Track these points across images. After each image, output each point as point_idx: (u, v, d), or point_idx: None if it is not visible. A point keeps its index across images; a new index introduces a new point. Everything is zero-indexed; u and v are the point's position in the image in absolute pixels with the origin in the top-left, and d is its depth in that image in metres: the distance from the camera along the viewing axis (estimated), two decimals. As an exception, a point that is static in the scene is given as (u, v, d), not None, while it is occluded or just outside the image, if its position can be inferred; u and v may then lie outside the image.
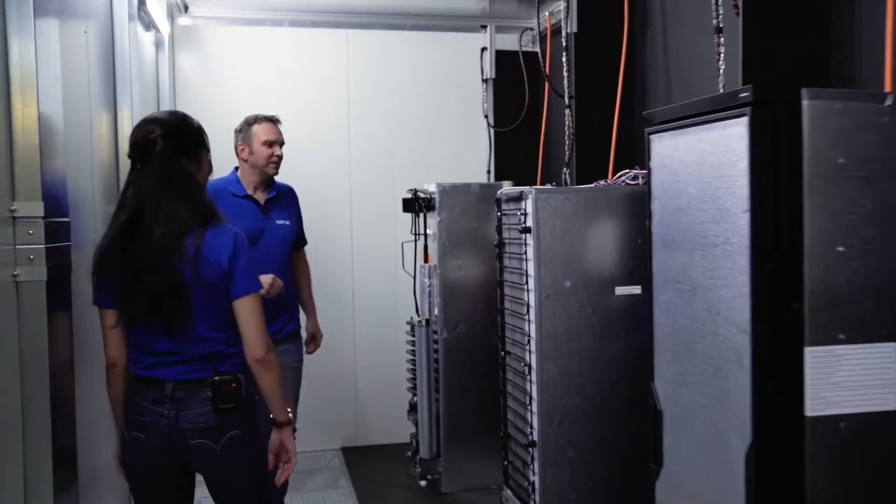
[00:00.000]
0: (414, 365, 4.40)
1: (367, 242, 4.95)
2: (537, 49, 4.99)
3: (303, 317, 4.08)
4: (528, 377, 2.94)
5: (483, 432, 4.09)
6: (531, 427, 2.93)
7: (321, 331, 3.96)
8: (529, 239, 2.88)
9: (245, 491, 2.32)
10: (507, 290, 3.17)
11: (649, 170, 2.29)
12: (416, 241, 4.25)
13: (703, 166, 2.08)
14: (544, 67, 3.91)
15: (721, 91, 2.61)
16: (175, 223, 2.14)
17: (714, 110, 2.03)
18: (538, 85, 4.93)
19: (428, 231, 4.21)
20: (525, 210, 2.89)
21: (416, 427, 4.32)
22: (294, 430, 2.45)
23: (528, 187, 2.94)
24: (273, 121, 3.66)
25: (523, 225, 2.89)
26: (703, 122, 2.08)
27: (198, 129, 2.33)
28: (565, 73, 3.79)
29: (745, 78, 2.45)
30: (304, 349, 3.83)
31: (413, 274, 4.32)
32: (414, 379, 4.43)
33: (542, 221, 2.84)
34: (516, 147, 5.00)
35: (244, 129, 3.60)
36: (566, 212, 2.87)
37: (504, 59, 5.00)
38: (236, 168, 3.73)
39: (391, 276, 4.93)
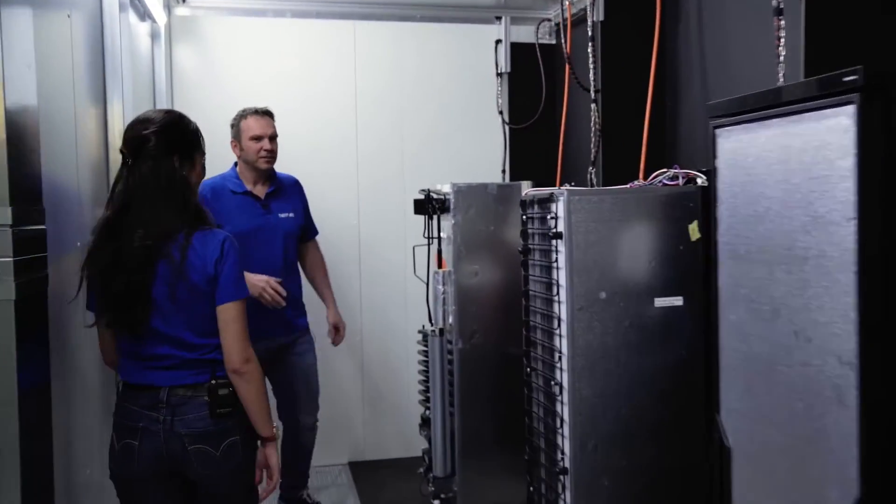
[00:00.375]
0: (426, 376, 4.15)
1: (376, 246, 4.69)
2: (554, 41, 4.73)
3: (319, 310, 3.87)
4: (559, 398, 2.67)
5: (502, 450, 3.82)
6: (562, 452, 2.66)
7: (343, 321, 3.85)
8: (560, 245, 2.61)
9: (240, 498, 2.31)
10: (533, 301, 2.90)
11: (714, 169, 2.02)
12: (429, 244, 3.98)
13: (789, 165, 1.79)
14: (568, 59, 3.64)
15: (781, 81, 2.33)
16: (157, 226, 2.12)
17: (805, 98, 1.72)
18: (556, 79, 4.67)
19: (442, 234, 3.94)
20: (556, 213, 2.62)
21: (429, 443, 4.05)
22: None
23: (559, 188, 2.66)
24: (262, 113, 3.57)
25: (554, 230, 2.62)
26: (789, 114, 1.78)
27: (194, 130, 2.30)
28: (591, 66, 3.52)
29: (807, 66, 2.17)
30: (334, 336, 3.87)
31: (426, 280, 4.04)
32: (426, 391, 4.17)
33: (574, 226, 2.57)
34: (532, 145, 4.74)
35: (235, 125, 3.55)
36: (601, 215, 2.59)
37: (520, 52, 4.73)
38: (236, 164, 3.64)
39: (400, 282, 4.67)
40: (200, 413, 2.17)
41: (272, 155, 3.58)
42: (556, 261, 2.62)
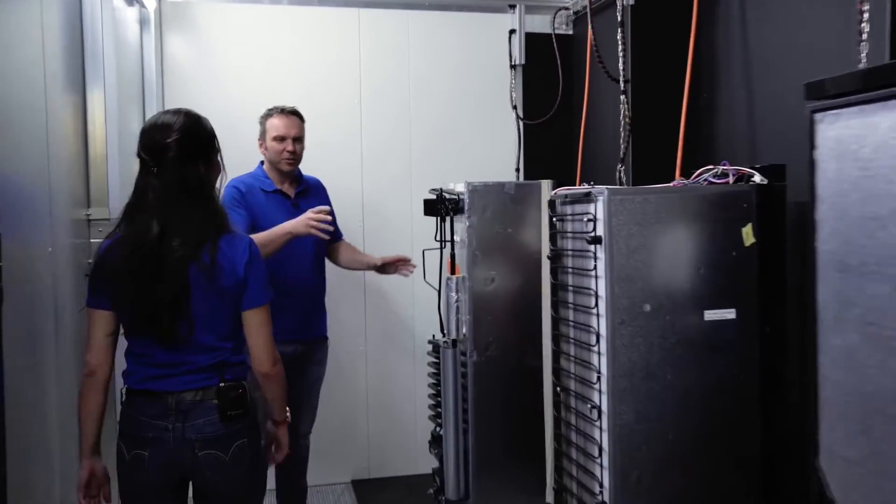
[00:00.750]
0: (437, 390, 3.85)
1: (381, 249, 4.37)
2: (571, 31, 4.44)
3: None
4: (597, 423, 2.36)
5: (520, 471, 3.52)
6: (600, 485, 2.36)
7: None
8: (600, 251, 2.30)
9: (247, 499, 2.36)
10: (564, 313, 2.60)
11: (813, 162, 1.71)
12: (441, 248, 3.67)
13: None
14: (595, 48, 3.33)
15: (864, 62, 2.03)
16: (193, 232, 2.12)
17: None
18: (574, 72, 4.37)
19: (455, 237, 3.64)
20: (594, 215, 2.31)
21: (441, 463, 3.74)
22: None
23: (598, 186, 2.36)
24: (289, 113, 3.50)
25: (592, 234, 2.32)
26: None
27: (210, 131, 2.28)
28: (620, 54, 3.22)
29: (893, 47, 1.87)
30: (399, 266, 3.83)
31: (437, 286, 3.74)
32: (437, 406, 3.87)
33: (616, 229, 2.27)
34: (548, 142, 4.44)
35: (261, 123, 3.51)
36: (646, 217, 2.29)
37: (535, 43, 4.43)
38: (262, 162, 3.57)
39: (407, 288, 4.37)
40: (210, 417, 2.16)
41: (294, 157, 3.51)
42: (595, 268, 2.31)
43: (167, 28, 4.06)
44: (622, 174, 3.20)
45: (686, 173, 2.88)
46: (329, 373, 4.14)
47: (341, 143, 4.30)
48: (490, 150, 4.46)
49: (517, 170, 4.46)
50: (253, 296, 2.19)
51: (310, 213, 3.22)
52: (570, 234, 2.53)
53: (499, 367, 3.60)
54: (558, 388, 2.67)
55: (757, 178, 2.33)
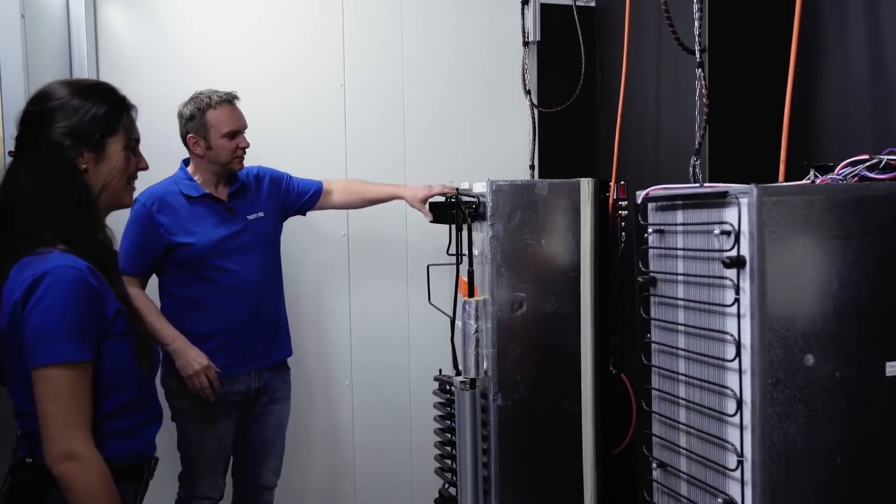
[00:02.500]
0: (445, 438, 3.11)
1: (368, 264, 3.61)
2: (594, 3, 3.74)
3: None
4: (736, 527, 1.63)
5: (559, 547, 2.83)
6: None
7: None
8: (743, 279, 1.58)
9: None
10: (667, 362, 1.87)
11: None
12: (458, 263, 2.94)
13: None
14: (665, 7, 2.62)
15: None
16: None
17: None
18: (600, 49, 3.67)
19: (473, 250, 2.91)
20: (734, 226, 1.59)
21: (453, 532, 3.01)
22: None
23: (737, 185, 1.63)
24: (232, 100, 2.94)
25: (729, 253, 1.59)
26: None
27: (116, 102, 1.79)
28: (696, 16, 2.51)
29: None
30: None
31: (452, 315, 2.99)
32: (445, 458, 3.14)
33: (770, 246, 1.55)
34: (568, 133, 3.73)
35: (196, 117, 2.89)
36: (808, 227, 1.58)
37: (552, 16, 3.71)
38: (184, 162, 3.00)
39: (401, 312, 3.62)
40: None
41: (245, 153, 2.98)
42: (738, 304, 1.59)
43: (103, -5, 3.23)
44: (697, 168, 2.50)
45: (791, 169, 2.20)
46: (305, 414, 3.42)
47: (320, 134, 3.51)
48: (499, 142, 3.74)
49: (531, 166, 3.74)
50: (31, 350, 1.57)
51: (207, 374, 2.79)
52: (679, 253, 1.80)
53: (530, 412, 2.90)
54: (655, 467, 1.93)
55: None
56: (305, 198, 3.17)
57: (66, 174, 1.66)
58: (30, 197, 1.63)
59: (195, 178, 2.92)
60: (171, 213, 2.85)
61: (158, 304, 2.93)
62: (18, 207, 1.64)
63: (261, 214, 3.02)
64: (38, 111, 1.68)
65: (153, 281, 2.95)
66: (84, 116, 1.68)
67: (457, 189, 2.96)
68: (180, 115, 2.91)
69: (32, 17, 2.63)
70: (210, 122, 2.86)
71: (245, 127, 2.96)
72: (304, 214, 3.24)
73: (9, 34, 2.43)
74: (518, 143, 3.75)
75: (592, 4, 3.75)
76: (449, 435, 3.09)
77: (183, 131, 2.91)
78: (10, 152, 1.71)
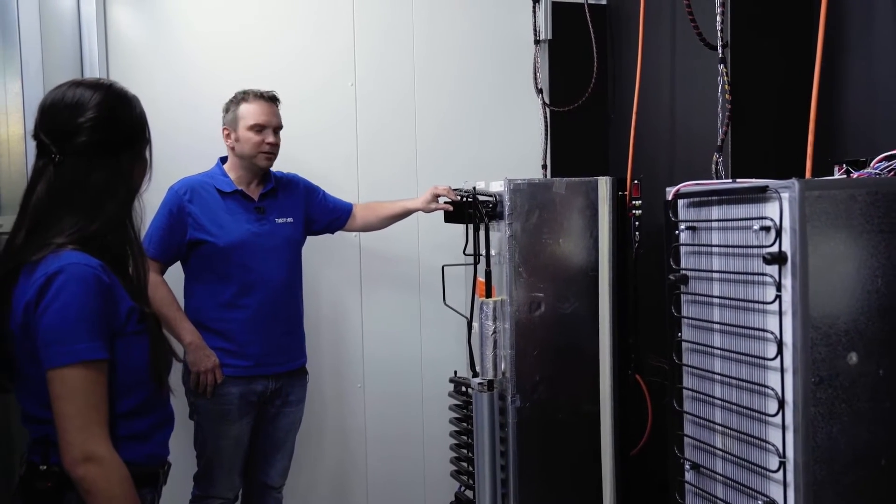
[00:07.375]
0: (462, 441, 3.07)
1: (380, 264, 3.57)
2: (605, 1, 3.71)
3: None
4: (779, 530, 1.60)
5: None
6: None
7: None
8: (785, 275, 1.54)
9: None
10: (699, 361, 1.83)
11: None
12: (475, 263, 2.90)
13: None
14: (687, 1, 2.58)
15: None
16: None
17: None
18: (613, 48, 3.64)
19: (491, 250, 2.88)
20: (775, 221, 1.55)
21: (471, 535, 2.97)
22: None
23: (778, 180, 1.60)
24: (267, 98, 2.98)
25: (769, 250, 1.56)
26: None
27: (141, 113, 1.76)
28: (718, 11, 2.48)
29: None
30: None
31: (469, 316, 2.96)
32: (461, 461, 3.10)
33: (812, 242, 1.52)
34: (580, 132, 3.70)
35: (230, 109, 2.97)
36: (850, 222, 1.55)
37: (564, 15, 3.67)
38: (222, 159, 3.03)
39: (413, 312, 3.58)
40: None
41: (275, 150, 2.98)
42: (779, 301, 1.55)
43: (113, -7, 3.19)
44: (719, 165, 2.47)
45: (819, 164, 2.17)
46: (319, 417, 3.38)
47: (331, 133, 3.48)
48: (510, 141, 3.70)
49: (544, 166, 3.71)
50: (44, 351, 1.54)
51: (214, 373, 2.83)
52: (713, 250, 1.76)
53: (548, 413, 2.86)
54: (685, 467, 1.89)
55: None
56: (336, 216, 3.19)
57: (94, 179, 1.62)
58: (56, 200, 1.60)
59: (229, 175, 2.94)
60: (202, 204, 2.86)
61: (182, 303, 2.92)
62: (42, 210, 1.60)
63: (290, 220, 3.01)
64: (68, 115, 1.63)
65: (178, 279, 2.93)
66: (114, 123, 1.65)
67: (457, 189, 2.98)
68: (223, 111, 2.97)
69: (47, 19, 2.62)
70: (240, 114, 2.91)
71: (275, 125, 2.95)
72: (333, 233, 3.24)
73: (29, 36, 2.46)
74: (529, 142, 3.72)
75: (604, 2, 3.72)
76: (465, 437, 3.05)
77: (223, 125, 2.97)
78: (37, 153, 1.67)
